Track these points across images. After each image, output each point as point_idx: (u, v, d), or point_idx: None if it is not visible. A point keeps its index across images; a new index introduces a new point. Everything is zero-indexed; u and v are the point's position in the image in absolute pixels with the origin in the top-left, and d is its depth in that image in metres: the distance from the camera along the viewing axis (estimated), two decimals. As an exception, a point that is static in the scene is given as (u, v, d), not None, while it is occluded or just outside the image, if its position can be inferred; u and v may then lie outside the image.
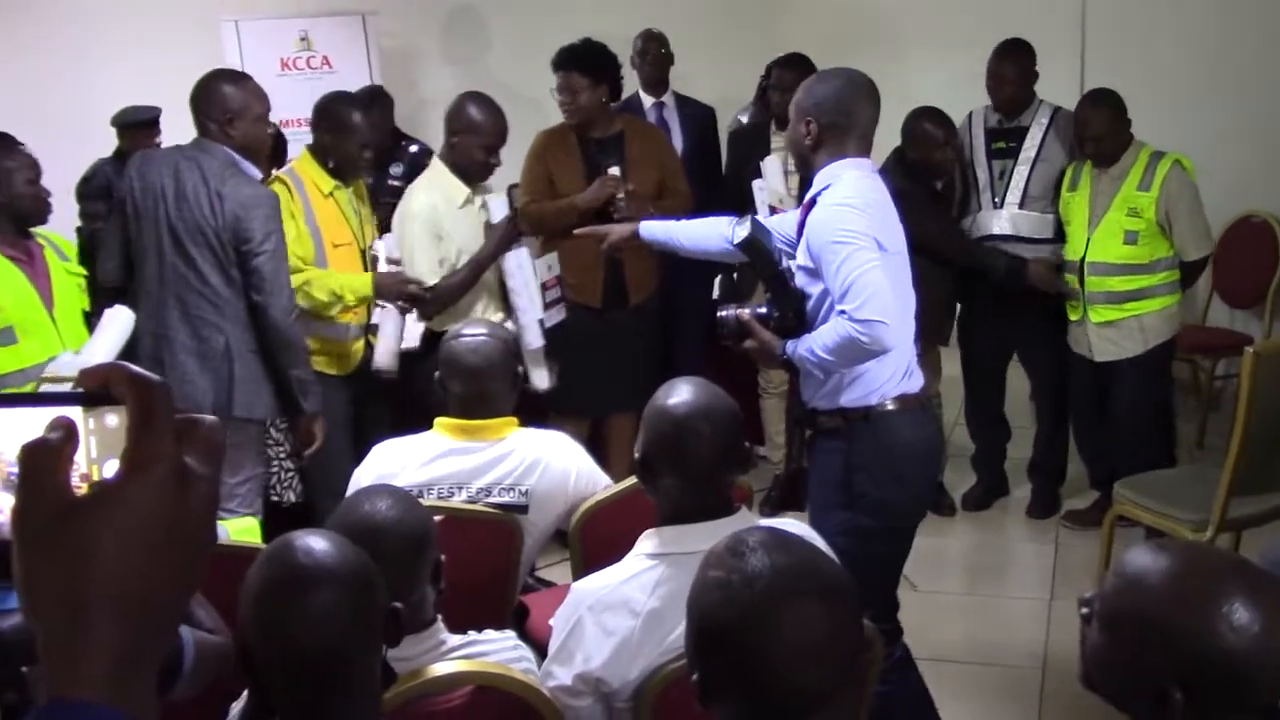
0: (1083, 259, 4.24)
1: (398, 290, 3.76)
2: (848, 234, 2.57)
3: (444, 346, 2.90)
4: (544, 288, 3.85)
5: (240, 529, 3.05)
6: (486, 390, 2.81)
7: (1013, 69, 4.48)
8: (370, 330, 3.90)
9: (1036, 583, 4.24)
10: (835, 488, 2.77)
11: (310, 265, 3.70)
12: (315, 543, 1.65)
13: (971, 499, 4.86)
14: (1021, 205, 4.45)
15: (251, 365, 3.44)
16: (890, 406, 2.74)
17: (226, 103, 3.43)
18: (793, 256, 2.79)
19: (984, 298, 4.58)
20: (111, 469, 0.68)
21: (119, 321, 3.47)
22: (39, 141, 3.64)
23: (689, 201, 4.23)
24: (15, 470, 0.69)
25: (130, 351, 3.50)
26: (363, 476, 2.76)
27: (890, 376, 2.74)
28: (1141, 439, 4.25)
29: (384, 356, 3.87)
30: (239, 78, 3.55)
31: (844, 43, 6.45)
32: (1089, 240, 4.22)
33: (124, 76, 5.90)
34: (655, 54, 5.02)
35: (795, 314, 2.72)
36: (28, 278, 3.34)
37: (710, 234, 3.04)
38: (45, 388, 3.31)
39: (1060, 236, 4.41)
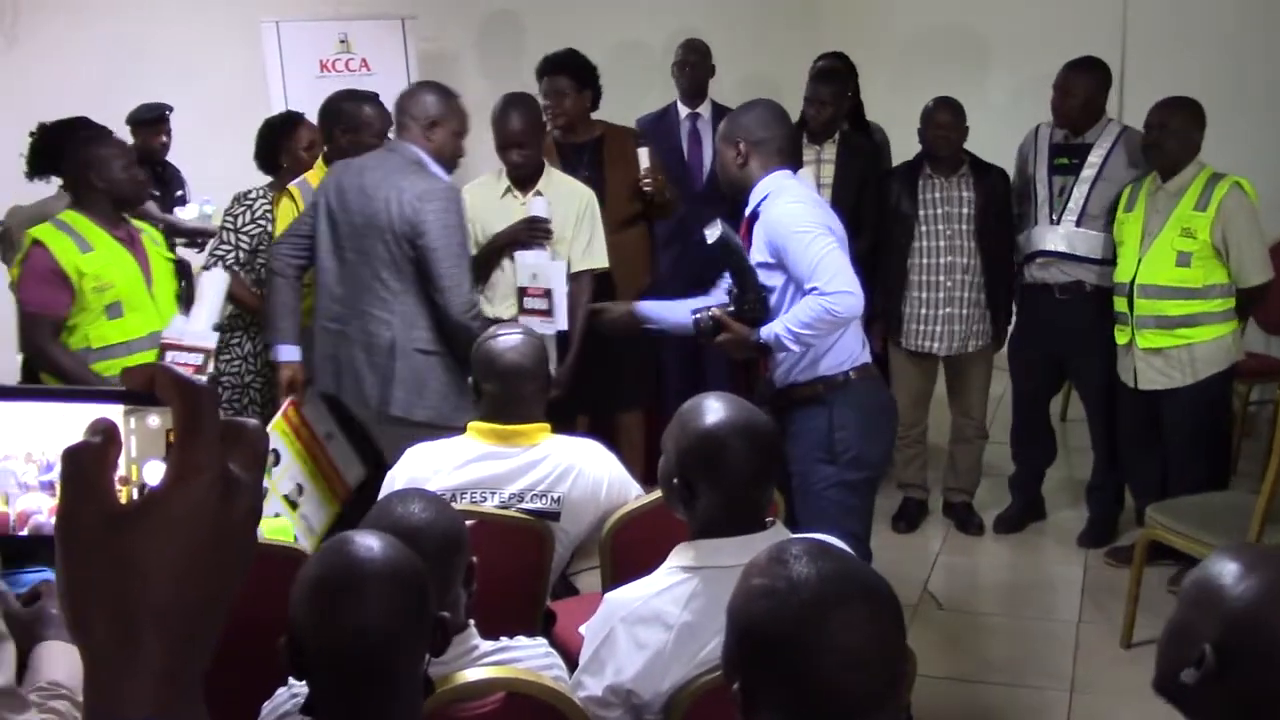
0: (1133, 280, 4.06)
1: None
2: (807, 224, 2.96)
3: (477, 348, 2.90)
4: (524, 293, 3.83)
5: (274, 528, 3.06)
6: (521, 392, 2.81)
7: (1077, 83, 4.32)
8: None
9: (1065, 606, 4.20)
10: (819, 447, 3.08)
11: None
12: (371, 541, 1.69)
13: (1004, 521, 4.76)
14: (1079, 224, 4.33)
15: (416, 364, 3.47)
16: (858, 374, 3.11)
17: (429, 109, 3.54)
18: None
19: (1033, 312, 4.51)
20: (151, 470, 0.66)
21: (216, 286, 3.61)
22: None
23: (676, 196, 4.50)
24: (45, 461, 0.67)
25: (307, 346, 3.60)
26: (396, 479, 2.77)
27: (856, 345, 3.11)
28: (1191, 472, 4.07)
29: None
30: (447, 92, 3.63)
31: (885, 48, 6.48)
32: (1140, 261, 4.05)
33: (164, 76, 5.94)
34: (693, 64, 4.95)
35: (761, 302, 3.03)
36: (133, 257, 3.55)
37: (679, 310, 3.37)
38: (170, 355, 3.41)
39: (1113, 260, 4.25)
